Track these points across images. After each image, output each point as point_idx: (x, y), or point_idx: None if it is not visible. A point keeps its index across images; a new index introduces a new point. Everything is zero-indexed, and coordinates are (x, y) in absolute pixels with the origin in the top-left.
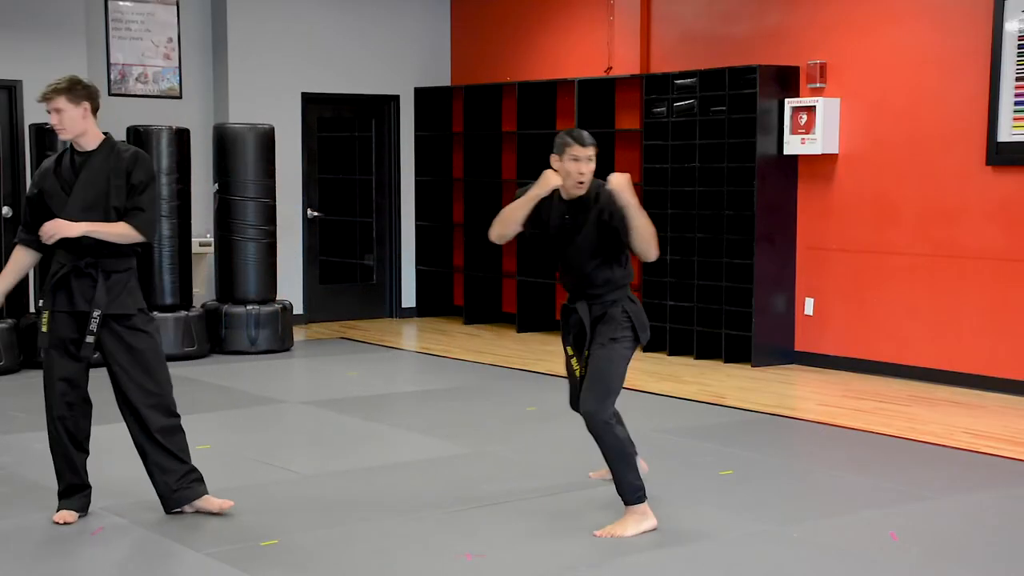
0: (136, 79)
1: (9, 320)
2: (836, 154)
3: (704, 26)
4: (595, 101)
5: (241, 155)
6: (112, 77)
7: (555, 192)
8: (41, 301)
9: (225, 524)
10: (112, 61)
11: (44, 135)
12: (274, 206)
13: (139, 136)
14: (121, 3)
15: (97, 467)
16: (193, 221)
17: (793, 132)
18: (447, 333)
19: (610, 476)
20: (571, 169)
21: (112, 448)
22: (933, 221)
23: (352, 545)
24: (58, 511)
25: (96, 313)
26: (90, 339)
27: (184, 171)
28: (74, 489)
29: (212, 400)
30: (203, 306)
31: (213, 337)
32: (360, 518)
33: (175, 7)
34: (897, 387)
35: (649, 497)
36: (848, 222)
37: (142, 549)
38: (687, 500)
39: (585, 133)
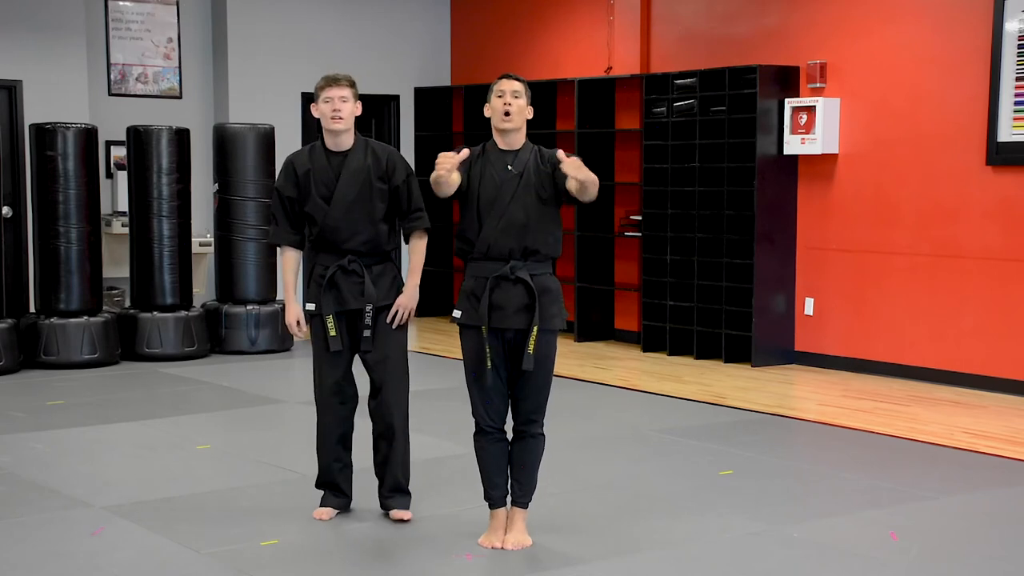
0: (136, 79)
1: (9, 320)
2: (836, 154)
3: (704, 26)
4: (595, 101)
5: (241, 155)
6: (112, 77)
7: (487, 147)
8: (313, 305)
9: (225, 524)
10: (112, 61)
11: (44, 135)
12: None
13: (139, 136)
14: (121, 3)
15: (97, 467)
16: (193, 221)
17: (793, 132)
18: (447, 333)
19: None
20: (496, 105)
21: (112, 448)
22: (933, 221)
23: (352, 545)
24: (321, 506)
25: (369, 308)
26: (367, 333)
27: (184, 171)
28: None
29: (212, 400)
30: (203, 306)
31: (213, 337)
32: (360, 518)
33: (175, 7)
34: (897, 387)
35: (650, 497)
36: (848, 222)
37: (142, 549)
38: (687, 500)
39: (513, 74)
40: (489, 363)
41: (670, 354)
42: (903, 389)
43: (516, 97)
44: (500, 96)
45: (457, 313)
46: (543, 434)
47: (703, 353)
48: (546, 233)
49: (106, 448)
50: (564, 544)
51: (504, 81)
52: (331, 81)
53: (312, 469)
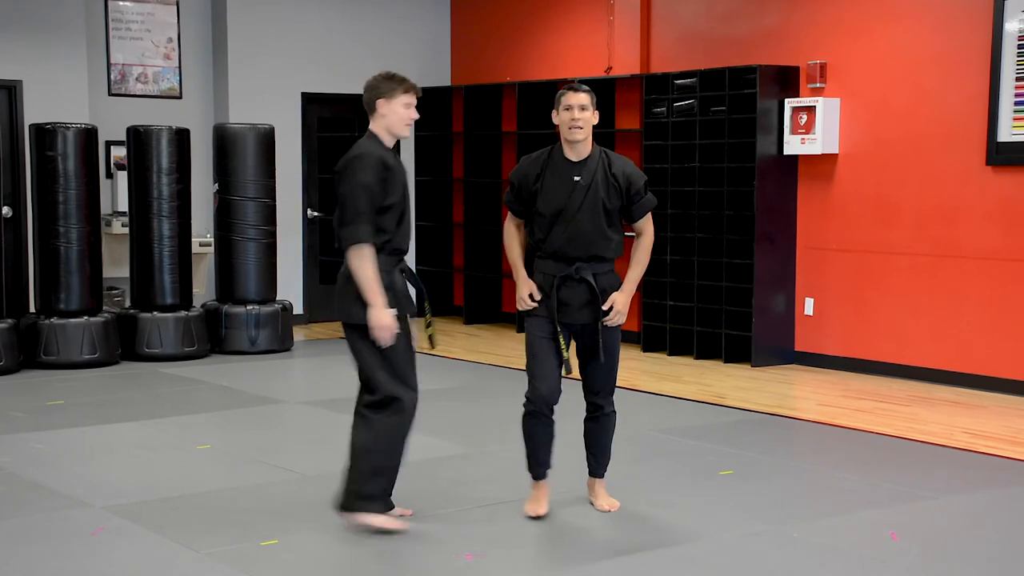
0: (136, 79)
1: (9, 320)
2: (836, 154)
3: (704, 26)
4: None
5: (241, 155)
6: (112, 77)
7: (555, 155)
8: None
9: (225, 524)
10: (112, 61)
11: (44, 135)
12: (274, 206)
13: (139, 136)
14: (121, 3)
15: (97, 467)
16: (193, 221)
17: (793, 132)
18: (447, 333)
19: None
20: (564, 118)
21: (112, 448)
22: (933, 221)
23: (352, 545)
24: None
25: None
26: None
27: (184, 171)
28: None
29: (212, 400)
30: (203, 306)
31: (213, 337)
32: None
33: (175, 7)
34: (897, 387)
35: (650, 497)
36: (848, 222)
37: (142, 549)
38: (687, 500)
39: (580, 84)
40: (565, 352)
41: (670, 354)
42: (903, 389)
43: (583, 110)
44: (568, 110)
45: (527, 306)
46: (615, 411)
47: (703, 353)
48: (609, 239)
49: (106, 448)
50: (564, 544)
51: (571, 95)
52: (410, 87)
53: (311, 469)
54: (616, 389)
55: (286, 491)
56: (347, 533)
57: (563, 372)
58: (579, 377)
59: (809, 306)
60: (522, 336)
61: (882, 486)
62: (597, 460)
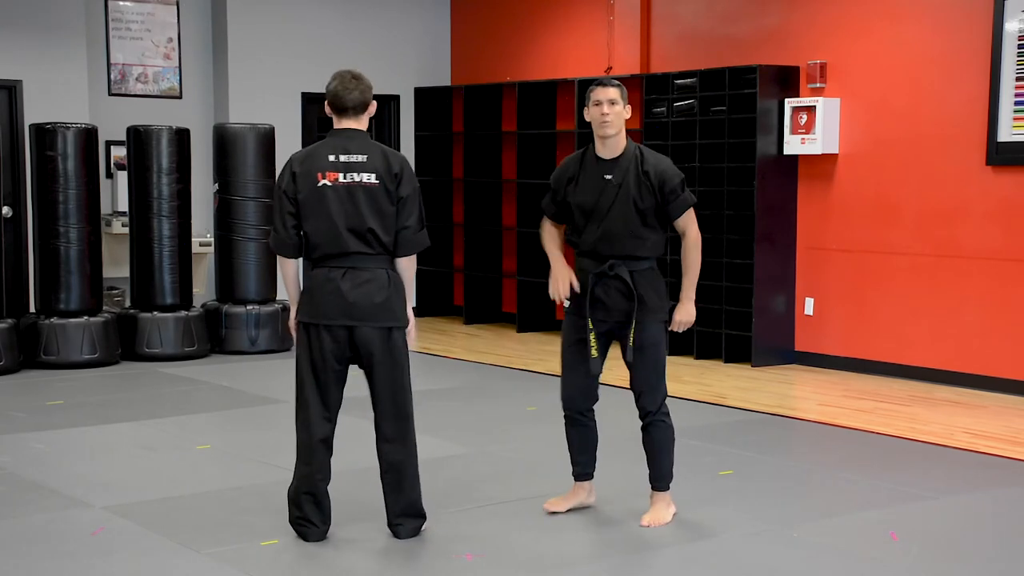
0: (136, 79)
1: (9, 320)
2: (836, 154)
3: (704, 26)
4: None
5: (241, 155)
6: (112, 77)
7: (588, 153)
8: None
9: (225, 524)
10: (112, 61)
11: (44, 135)
12: None
13: (139, 136)
14: (121, 3)
15: (97, 467)
16: (193, 221)
17: (793, 132)
18: (447, 333)
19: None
20: (594, 114)
21: (112, 448)
22: (933, 221)
23: (352, 545)
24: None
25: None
26: None
27: (184, 171)
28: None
29: (212, 400)
30: (203, 306)
31: (213, 337)
32: (360, 518)
33: (175, 7)
34: (897, 387)
35: (650, 498)
36: (848, 222)
37: (142, 549)
38: (687, 500)
39: (608, 78)
40: (594, 351)
41: (670, 354)
42: (903, 389)
43: (613, 104)
44: (597, 105)
45: (567, 302)
46: (665, 421)
47: (703, 353)
48: (643, 239)
49: (106, 448)
50: (564, 544)
51: (599, 90)
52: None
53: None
54: (668, 398)
55: (286, 491)
56: (347, 533)
57: (590, 372)
58: (609, 381)
59: (809, 306)
60: (522, 336)
61: (882, 486)
62: (650, 471)
